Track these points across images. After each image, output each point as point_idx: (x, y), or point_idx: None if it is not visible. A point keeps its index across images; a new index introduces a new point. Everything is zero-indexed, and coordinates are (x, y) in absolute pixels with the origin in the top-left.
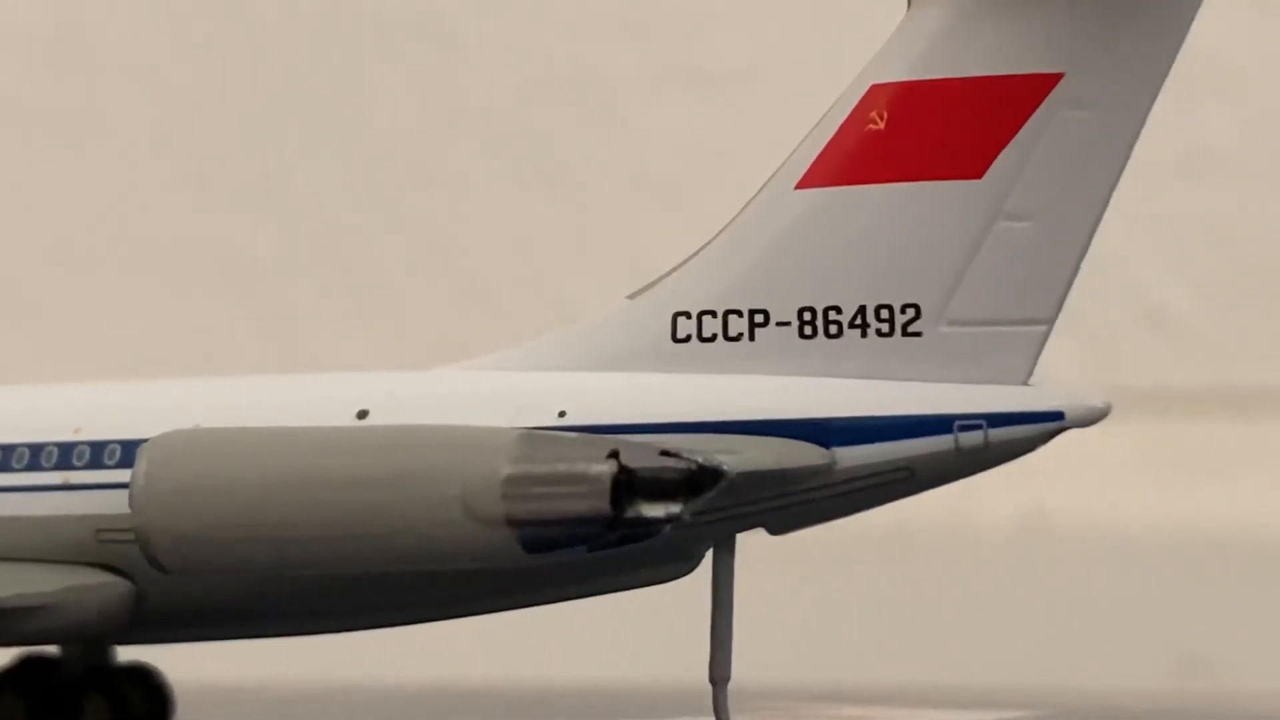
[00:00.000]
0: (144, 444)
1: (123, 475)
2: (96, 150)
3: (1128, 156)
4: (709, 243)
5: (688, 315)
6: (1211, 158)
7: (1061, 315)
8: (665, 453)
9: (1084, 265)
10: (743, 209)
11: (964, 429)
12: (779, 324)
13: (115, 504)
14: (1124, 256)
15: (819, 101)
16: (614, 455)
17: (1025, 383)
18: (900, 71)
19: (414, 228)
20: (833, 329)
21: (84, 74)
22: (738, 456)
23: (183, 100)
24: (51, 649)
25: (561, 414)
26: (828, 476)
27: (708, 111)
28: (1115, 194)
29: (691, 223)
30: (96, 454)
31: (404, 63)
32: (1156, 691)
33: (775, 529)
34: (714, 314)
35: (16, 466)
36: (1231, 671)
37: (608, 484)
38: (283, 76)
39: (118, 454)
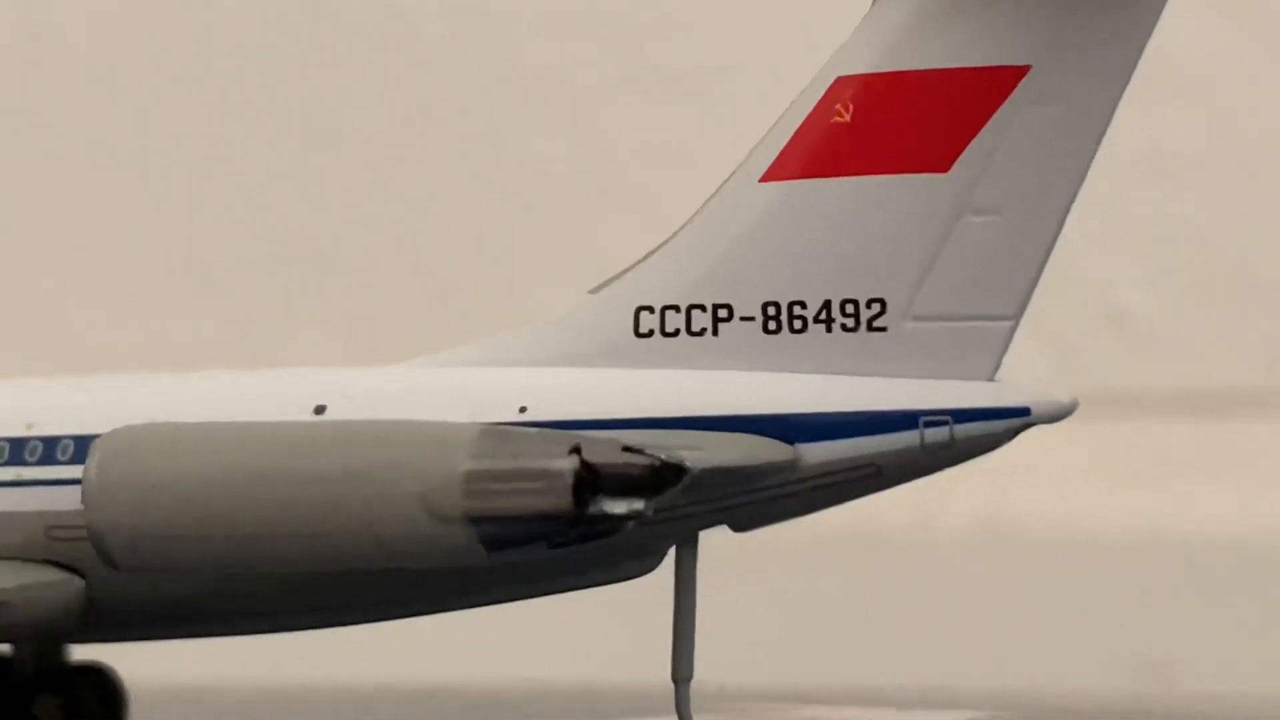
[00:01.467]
0: (96, 439)
1: (75, 471)
2: (59, 150)
3: (1094, 151)
4: (672, 236)
5: (651, 310)
6: (1176, 160)
7: (1025, 317)
8: (628, 449)
9: (1048, 267)
10: (706, 202)
11: (929, 425)
12: (743, 319)
13: (67, 500)
14: (1088, 259)
15: (784, 103)
16: (576, 451)
17: (991, 379)
18: (865, 64)
19: (377, 228)
20: (797, 324)
21: (47, 76)
22: (701, 453)
23: (146, 101)
24: (3, 648)
25: (523, 409)
26: (792, 473)
27: (672, 113)
28: (1079, 196)
29: (655, 224)
30: (49, 450)
31: (369, 64)
32: (1117, 693)
33: (739, 526)
34: (677, 309)
35: None
36: (1192, 674)
37: (569, 480)
38: (248, 77)
39: (70, 450)
